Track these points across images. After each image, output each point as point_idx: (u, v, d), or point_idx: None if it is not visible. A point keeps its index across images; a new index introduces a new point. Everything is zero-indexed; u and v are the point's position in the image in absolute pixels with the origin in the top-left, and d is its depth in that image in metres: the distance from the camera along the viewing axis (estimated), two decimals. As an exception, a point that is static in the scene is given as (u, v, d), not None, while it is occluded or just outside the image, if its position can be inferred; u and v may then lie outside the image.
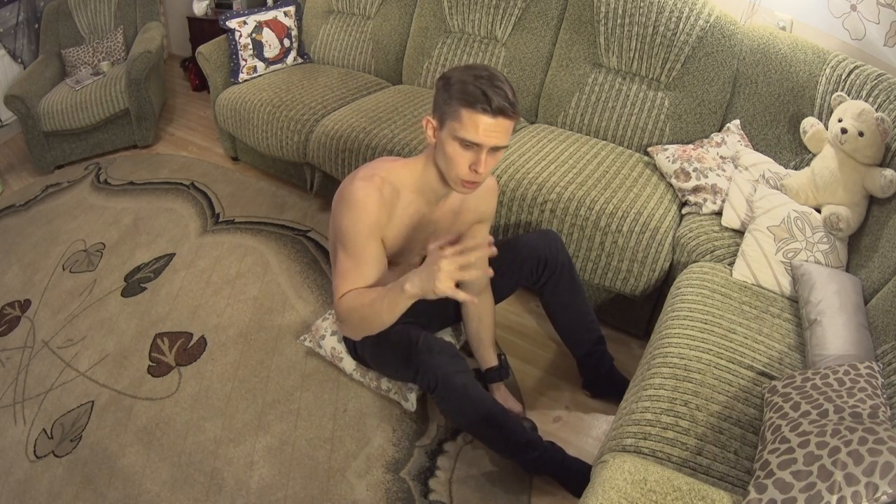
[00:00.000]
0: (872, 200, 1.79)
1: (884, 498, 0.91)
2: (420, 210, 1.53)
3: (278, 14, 3.01)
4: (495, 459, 1.67)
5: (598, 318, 1.86)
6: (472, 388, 1.53)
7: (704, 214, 2.01)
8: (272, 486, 1.60)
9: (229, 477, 1.62)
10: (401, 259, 1.63)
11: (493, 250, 1.35)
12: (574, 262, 1.89)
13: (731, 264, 1.81)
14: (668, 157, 2.14)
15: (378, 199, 1.44)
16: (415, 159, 1.52)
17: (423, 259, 1.73)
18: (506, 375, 1.83)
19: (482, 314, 1.81)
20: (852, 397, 1.16)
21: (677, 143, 2.29)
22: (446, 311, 1.85)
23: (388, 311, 1.42)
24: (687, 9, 2.23)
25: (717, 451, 1.25)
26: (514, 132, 2.39)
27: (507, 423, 1.54)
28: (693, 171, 2.05)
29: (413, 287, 1.35)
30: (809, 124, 1.96)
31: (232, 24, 2.85)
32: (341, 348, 1.88)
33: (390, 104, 2.58)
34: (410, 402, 1.77)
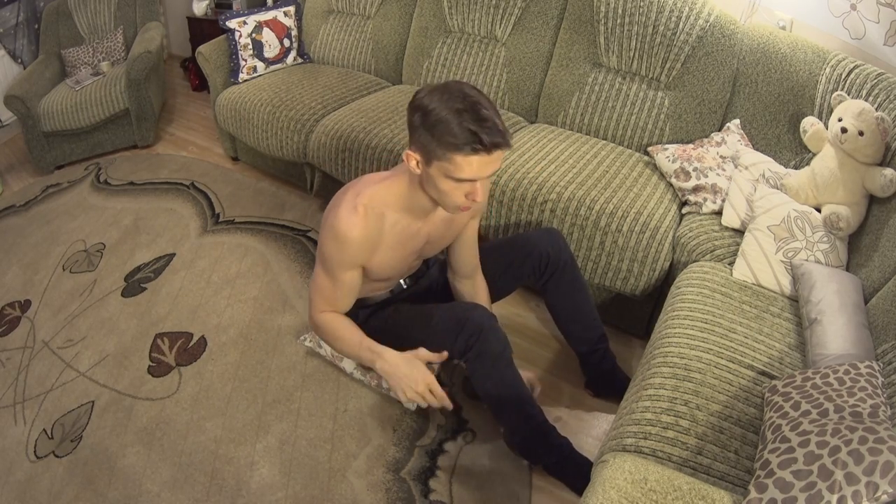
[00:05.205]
0: (872, 200, 1.79)
1: (884, 497, 0.91)
2: (409, 227, 1.52)
3: (278, 14, 3.01)
4: (496, 459, 1.67)
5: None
6: (509, 354, 1.58)
7: (704, 214, 2.01)
8: (272, 486, 1.60)
9: (229, 477, 1.62)
10: (394, 273, 1.65)
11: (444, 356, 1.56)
12: (574, 261, 1.89)
13: (731, 264, 1.81)
14: (668, 157, 2.14)
15: (362, 232, 1.44)
16: (396, 178, 1.47)
17: (419, 266, 1.79)
18: None
19: (477, 300, 1.78)
20: (852, 396, 1.16)
21: (677, 142, 2.29)
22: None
23: (351, 354, 1.65)
24: (687, 8, 2.22)
25: (717, 450, 1.25)
26: (514, 132, 2.41)
27: (533, 402, 1.59)
28: (693, 170, 2.05)
29: (383, 372, 1.56)
30: (809, 123, 1.96)
31: (232, 24, 2.85)
32: (341, 348, 1.89)
33: (390, 104, 2.58)
34: (411, 401, 1.78)
